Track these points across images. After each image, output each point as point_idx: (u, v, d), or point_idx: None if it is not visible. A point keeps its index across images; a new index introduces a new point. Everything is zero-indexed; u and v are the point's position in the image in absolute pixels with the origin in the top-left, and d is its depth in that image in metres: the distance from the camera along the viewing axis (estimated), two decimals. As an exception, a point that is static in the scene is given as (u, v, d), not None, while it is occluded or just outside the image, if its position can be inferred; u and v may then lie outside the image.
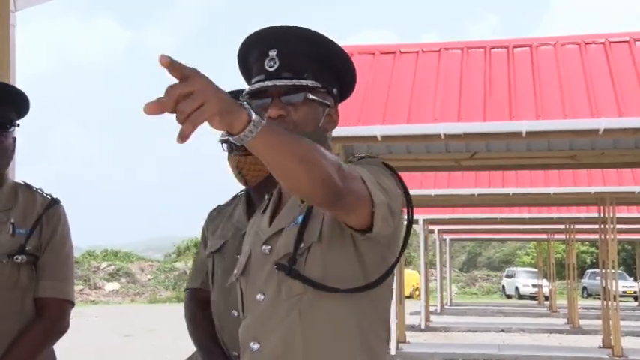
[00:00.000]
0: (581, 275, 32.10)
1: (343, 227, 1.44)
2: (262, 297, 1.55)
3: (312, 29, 1.59)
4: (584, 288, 32.29)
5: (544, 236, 21.65)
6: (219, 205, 2.51)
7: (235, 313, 2.25)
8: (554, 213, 15.20)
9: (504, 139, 6.41)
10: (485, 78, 6.46)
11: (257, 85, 1.54)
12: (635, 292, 29.02)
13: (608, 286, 12.04)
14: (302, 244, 1.51)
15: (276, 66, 1.54)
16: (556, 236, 20.67)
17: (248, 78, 1.65)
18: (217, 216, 2.47)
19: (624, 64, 6.31)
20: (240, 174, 2.31)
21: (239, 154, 2.29)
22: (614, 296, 11.64)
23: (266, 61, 1.55)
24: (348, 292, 1.47)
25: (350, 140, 6.54)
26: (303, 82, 1.55)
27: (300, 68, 1.56)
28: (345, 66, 1.64)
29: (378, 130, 6.03)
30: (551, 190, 10.77)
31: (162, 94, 1.08)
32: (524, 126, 5.89)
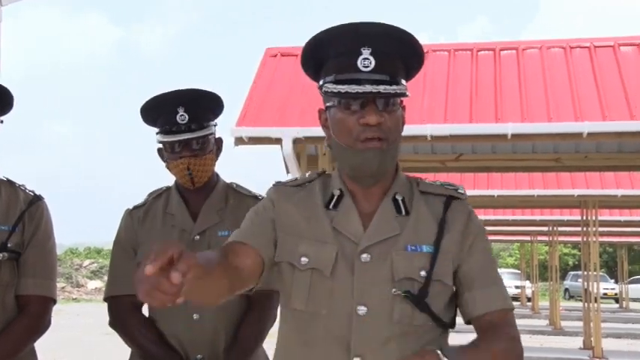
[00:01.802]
0: (563, 277, 32.31)
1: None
2: (365, 310, 1.49)
3: (405, 28, 1.52)
4: (567, 290, 32.51)
5: (527, 238, 21.77)
6: (135, 206, 2.42)
7: (196, 317, 2.25)
8: (538, 215, 15.29)
9: (490, 141, 6.44)
10: (472, 80, 6.48)
11: (357, 89, 1.46)
12: (616, 295, 29.26)
13: (590, 288, 12.13)
14: (431, 279, 1.51)
15: (371, 66, 1.47)
16: (539, 238, 20.80)
17: (315, 73, 1.57)
18: (146, 218, 2.38)
19: (609, 68, 6.36)
20: (190, 175, 2.29)
21: (188, 155, 2.28)
22: (596, 298, 11.73)
23: (360, 60, 1.47)
24: (447, 329, 1.56)
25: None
26: (401, 88, 1.50)
27: (395, 71, 1.50)
28: (418, 68, 1.58)
29: (364, 131, 6.03)
30: (535, 192, 10.83)
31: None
32: (509, 128, 5.91)
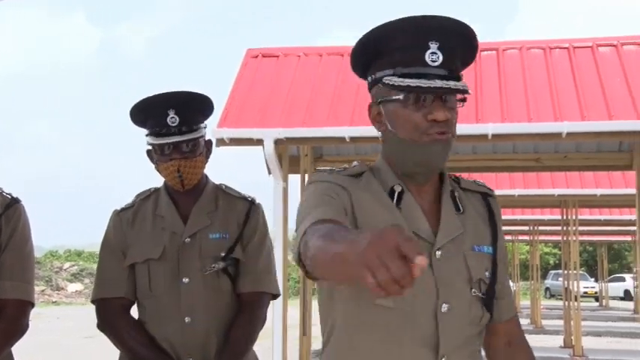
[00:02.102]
0: (544, 276, 32.53)
1: None
2: (447, 308, 1.46)
3: (468, 24, 1.50)
4: (547, 289, 32.74)
5: (509, 237, 21.90)
6: (123, 208, 2.42)
7: (187, 320, 2.25)
8: (519, 215, 15.38)
9: (471, 141, 6.46)
10: (452, 80, 6.51)
11: (427, 83, 1.43)
12: (596, 293, 29.52)
13: (570, 287, 12.23)
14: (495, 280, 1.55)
15: (439, 61, 1.44)
16: (520, 237, 20.92)
17: (379, 57, 1.50)
18: (135, 219, 2.37)
19: (587, 68, 6.41)
20: (180, 177, 2.29)
21: (178, 157, 2.27)
22: (576, 297, 11.82)
23: (427, 54, 1.44)
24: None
25: (319, 141, 6.54)
26: (465, 84, 1.48)
27: (458, 67, 1.49)
28: (470, 64, 1.57)
29: (347, 132, 6.04)
30: (516, 192, 10.89)
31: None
32: (489, 128, 5.94)
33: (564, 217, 12.48)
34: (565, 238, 12.80)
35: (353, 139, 6.08)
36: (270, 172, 6.61)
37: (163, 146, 2.28)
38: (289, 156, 6.86)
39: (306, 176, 6.98)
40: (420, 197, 1.53)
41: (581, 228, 13.15)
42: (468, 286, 1.49)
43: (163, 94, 2.32)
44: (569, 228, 12.13)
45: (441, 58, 1.44)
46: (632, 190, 7.16)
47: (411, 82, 1.43)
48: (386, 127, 1.52)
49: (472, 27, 1.50)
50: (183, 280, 2.28)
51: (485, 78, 6.46)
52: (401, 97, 1.46)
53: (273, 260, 2.48)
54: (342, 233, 1.15)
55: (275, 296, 2.43)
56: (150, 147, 2.35)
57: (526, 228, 17.65)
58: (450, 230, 1.51)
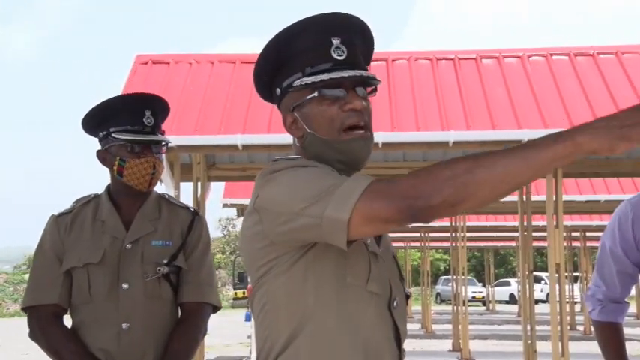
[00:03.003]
0: (435, 282, 33.49)
1: None
2: (396, 302, 1.50)
3: (363, 19, 1.53)
4: (438, 294, 33.72)
5: (401, 244, 22.42)
6: (61, 213, 2.37)
7: (125, 326, 2.21)
8: (410, 222, 15.75)
9: (362, 149, 6.57)
10: (344, 90, 6.60)
11: (341, 74, 1.44)
12: (483, 297, 30.66)
13: (459, 292, 12.64)
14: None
15: (345, 55, 1.47)
16: (412, 244, 21.45)
17: (284, 65, 1.50)
18: (73, 225, 2.33)
19: (471, 79, 6.67)
20: (153, 176, 2.29)
21: (155, 156, 2.29)
22: (464, 301, 12.22)
23: (332, 49, 1.46)
24: None
25: (211, 149, 6.48)
26: (373, 74, 1.50)
27: (363, 59, 1.52)
28: (370, 61, 1.60)
29: (239, 139, 6.01)
30: (407, 199, 11.15)
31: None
32: (380, 137, 6.06)
33: (453, 224, 12.90)
34: (454, 244, 13.23)
35: (245, 147, 6.05)
36: (161, 181, 6.48)
37: (137, 144, 2.28)
38: (181, 164, 6.75)
39: (199, 184, 6.89)
40: None
41: (468, 234, 13.64)
42: (401, 282, 1.56)
43: (139, 93, 2.41)
44: (458, 234, 12.55)
45: (346, 52, 1.47)
46: (516, 198, 7.48)
47: (324, 77, 1.45)
48: (304, 131, 1.50)
49: (365, 22, 1.54)
50: (123, 285, 2.24)
51: (375, 88, 6.59)
52: (315, 94, 1.46)
53: (214, 272, 2.48)
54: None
55: (216, 308, 2.42)
56: (109, 145, 2.31)
57: (417, 234, 18.13)
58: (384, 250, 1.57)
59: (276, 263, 1.42)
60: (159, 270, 2.26)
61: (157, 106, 2.35)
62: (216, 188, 9.93)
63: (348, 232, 1.27)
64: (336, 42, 1.47)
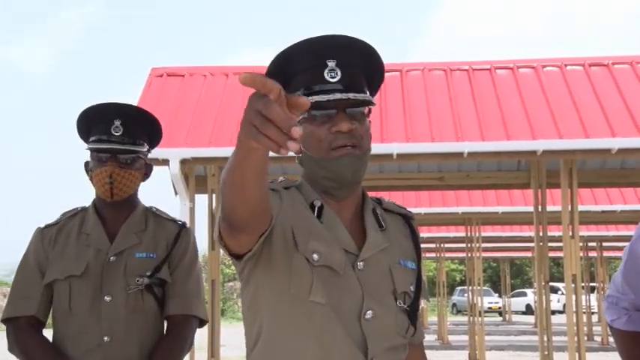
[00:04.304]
0: (451, 292, 33.33)
1: None
2: (372, 315, 1.50)
3: (366, 41, 1.55)
4: (454, 305, 33.52)
5: (416, 255, 22.31)
6: (47, 225, 2.36)
7: (106, 339, 2.18)
8: (426, 232, 15.73)
9: (376, 160, 6.57)
10: (358, 101, 6.62)
11: (327, 97, 1.48)
12: (499, 308, 30.44)
13: (475, 303, 12.57)
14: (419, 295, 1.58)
15: (337, 77, 1.49)
16: (427, 255, 21.38)
17: (284, 85, 1.51)
18: (58, 237, 2.31)
19: (486, 90, 6.66)
20: (111, 185, 2.25)
21: (115, 164, 2.25)
22: (480, 312, 12.16)
23: (326, 71, 1.50)
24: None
25: (226, 161, 6.45)
26: (368, 96, 1.53)
27: (360, 81, 1.54)
28: (380, 80, 1.62)
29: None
30: (422, 210, 11.15)
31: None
32: (394, 148, 6.06)
33: (468, 235, 12.85)
34: (469, 255, 13.17)
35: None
36: (176, 193, 6.51)
37: (102, 152, 2.26)
38: (196, 176, 6.78)
39: (214, 196, 6.92)
40: (340, 213, 1.57)
41: (484, 245, 13.59)
42: (393, 297, 1.54)
43: (113, 103, 2.34)
44: (473, 245, 12.50)
45: (339, 74, 1.49)
46: (531, 208, 7.45)
47: (311, 99, 1.46)
48: (300, 150, 1.56)
49: (372, 45, 1.56)
50: (105, 298, 2.21)
51: (389, 99, 6.61)
52: (306, 115, 1.50)
53: (202, 285, 2.43)
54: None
55: (203, 322, 2.37)
56: (89, 157, 2.32)
57: (433, 245, 18.06)
58: (377, 243, 1.56)
59: (241, 277, 1.56)
60: (138, 281, 2.23)
61: (130, 116, 2.31)
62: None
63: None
64: (331, 64, 1.50)
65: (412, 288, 1.58)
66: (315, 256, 1.49)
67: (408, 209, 1.74)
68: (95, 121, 2.29)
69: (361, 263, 1.52)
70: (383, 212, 1.65)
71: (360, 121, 1.52)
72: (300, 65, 1.52)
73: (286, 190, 1.58)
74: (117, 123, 2.26)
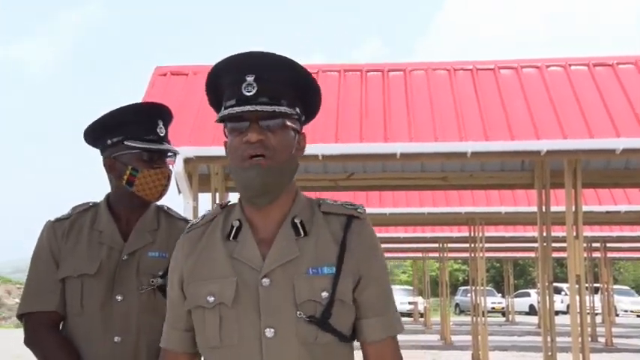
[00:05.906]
0: (454, 292, 33.29)
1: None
2: (273, 332, 1.54)
3: (285, 55, 1.61)
4: (457, 305, 33.48)
5: (419, 255, 22.31)
6: (58, 219, 2.32)
7: (117, 339, 2.17)
8: (429, 232, 15.71)
9: (380, 160, 6.57)
10: (362, 100, 6.61)
11: (237, 109, 1.55)
12: (503, 308, 30.39)
13: (478, 303, 12.55)
14: (334, 299, 1.57)
15: (254, 91, 1.56)
16: (430, 255, 21.35)
17: (217, 102, 1.66)
18: (70, 232, 2.28)
19: (489, 89, 6.64)
20: (165, 187, 2.28)
21: (166, 168, 2.28)
22: (483, 312, 12.14)
23: (243, 86, 1.57)
24: (350, 341, 1.63)
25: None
26: (282, 108, 1.57)
27: (278, 94, 1.59)
28: (313, 92, 1.69)
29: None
30: (426, 210, 11.13)
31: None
32: (398, 148, 6.06)
33: (471, 235, 12.84)
34: (472, 255, 13.16)
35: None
36: (180, 191, 6.51)
37: (154, 153, 2.26)
38: (199, 174, 6.78)
39: (217, 195, 6.92)
40: (264, 226, 1.62)
41: (487, 245, 13.56)
42: (295, 309, 1.54)
43: (153, 104, 2.39)
44: (476, 245, 12.48)
45: (255, 88, 1.56)
46: (535, 208, 7.43)
47: (226, 112, 1.57)
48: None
49: (284, 56, 1.62)
50: (117, 297, 2.20)
51: (393, 98, 6.60)
52: (228, 126, 1.60)
53: None
54: None
55: None
56: (118, 153, 2.26)
57: (436, 245, 18.05)
58: (280, 257, 1.57)
59: None
60: (152, 282, 2.21)
61: (167, 117, 2.34)
62: (234, 198, 9.96)
63: None
64: (249, 79, 1.57)
65: (325, 294, 1.55)
66: (211, 299, 1.57)
67: (360, 210, 1.70)
68: (138, 121, 2.29)
69: (266, 280, 1.55)
70: (317, 216, 1.65)
71: (274, 132, 1.57)
72: (226, 80, 1.61)
73: (209, 224, 1.68)
74: (161, 124, 2.31)
